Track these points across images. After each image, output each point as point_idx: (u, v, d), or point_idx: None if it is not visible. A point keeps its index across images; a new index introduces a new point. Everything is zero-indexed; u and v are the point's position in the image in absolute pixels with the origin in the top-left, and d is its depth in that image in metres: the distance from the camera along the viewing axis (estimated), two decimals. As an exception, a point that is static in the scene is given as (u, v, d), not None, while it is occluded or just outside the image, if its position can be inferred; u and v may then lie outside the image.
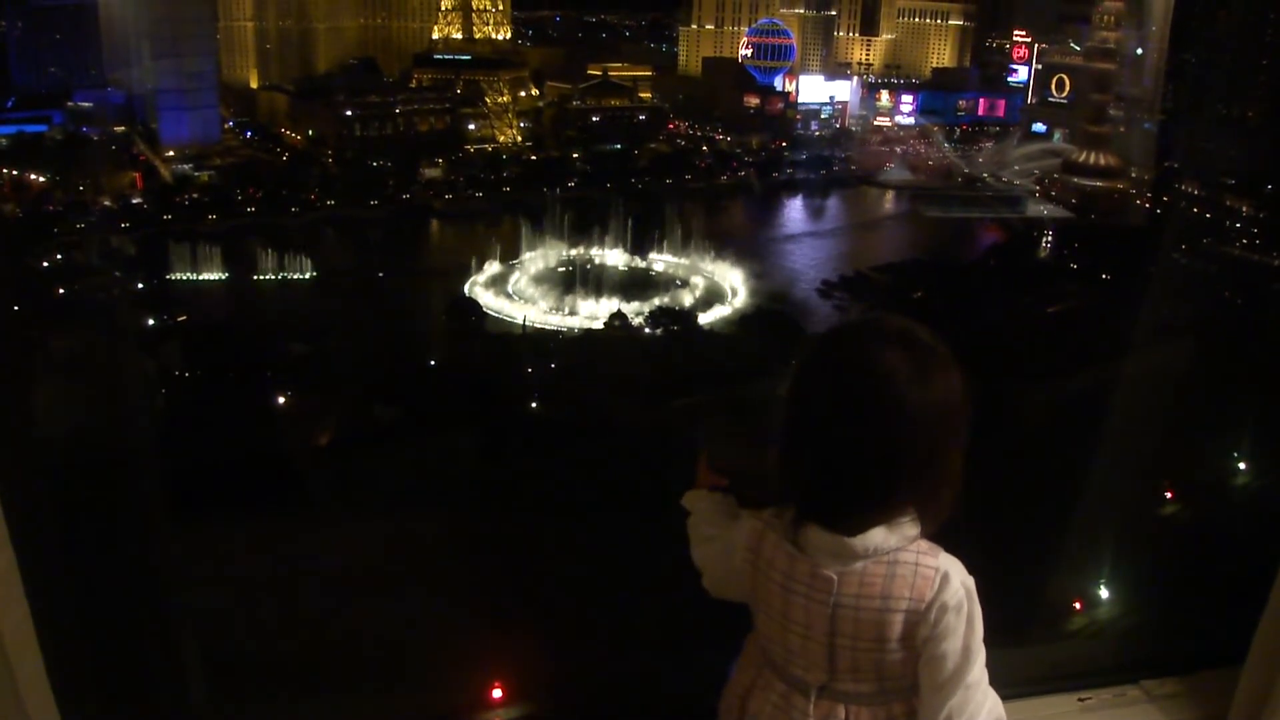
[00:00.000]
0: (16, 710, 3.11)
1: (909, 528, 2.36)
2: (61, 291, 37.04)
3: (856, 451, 2.29)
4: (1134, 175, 51.91)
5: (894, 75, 66.02)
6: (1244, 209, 43.08)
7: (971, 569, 2.33)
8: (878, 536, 2.35)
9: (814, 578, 2.38)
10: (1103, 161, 52.87)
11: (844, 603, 2.37)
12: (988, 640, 2.45)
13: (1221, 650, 4.02)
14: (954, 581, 2.35)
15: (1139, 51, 53.18)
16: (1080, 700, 3.91)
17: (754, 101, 60.75)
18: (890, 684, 2.44)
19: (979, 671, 2.42)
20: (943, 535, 2.42)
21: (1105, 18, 55.20)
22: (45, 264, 39.09)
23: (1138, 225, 48.49)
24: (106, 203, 45.92)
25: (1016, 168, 57.32)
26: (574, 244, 49.27)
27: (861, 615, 2.37)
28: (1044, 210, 52.27)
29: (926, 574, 2.35)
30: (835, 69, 64.19)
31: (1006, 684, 3.75)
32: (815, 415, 2.33)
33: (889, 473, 2.29)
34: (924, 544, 2.38)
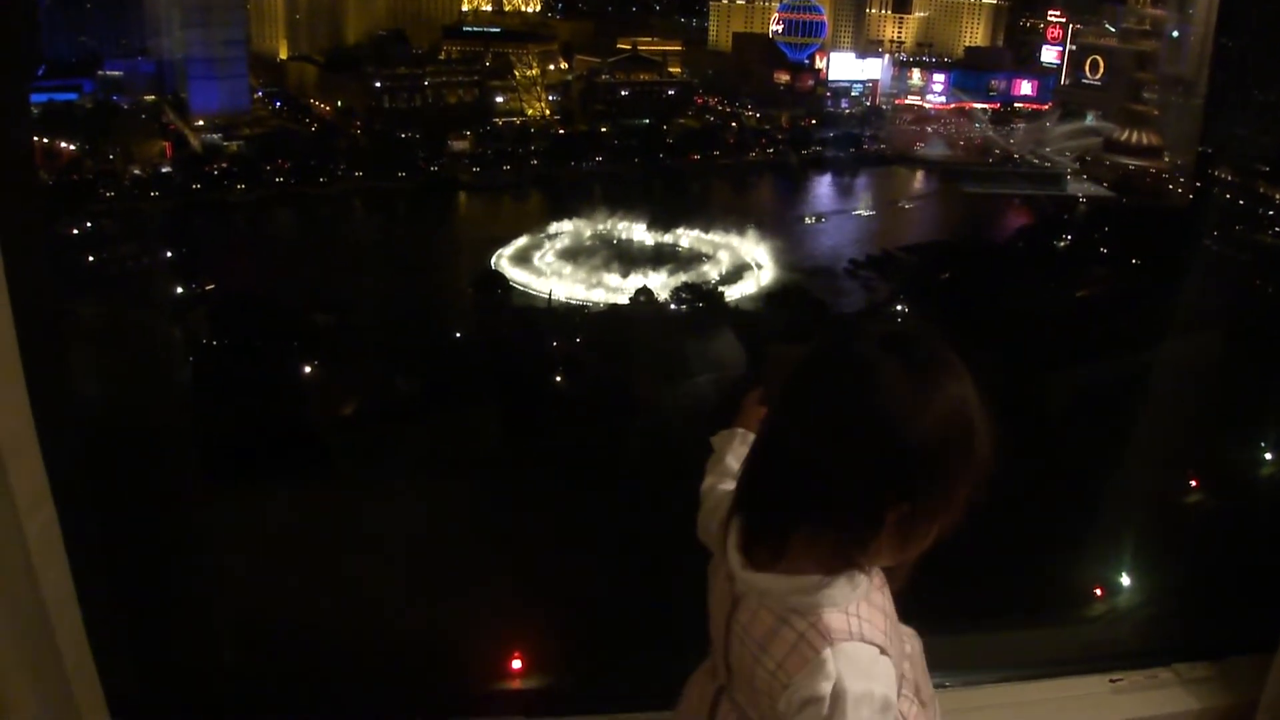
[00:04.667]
0: (56, 667, 3.15)
1: (812, 592, 2.02)
2: (91, 259, 37.29)
3: (774, 459, 2.07)
4: (1168, 159, 51.38)
5: (926, 54, 65.38)
6: (1278, 196, 42.57)
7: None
8: (764, 582, 2.07)
9: (727, 580, 2.17)
10: (1145, 140, 52.25)
11: (734, 627, 2.14)
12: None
13: (1254, 637, 4.01)
14: (824, 679, 1.97)
15: (1175, 34, 52.54)
16: (1112, 681, 3.91)
17: (784, 78, 60.28)
18: None
19: None
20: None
21: (1145, -4, 54.50)
22: (75, 231, 39.35)
23: (1170, 209, 48.04)
24: (136, 171, 46.09)
25: (1049, 149, 56.78)
26: (601, 218, 49.27)
27: (744, 648, 2.12)
28: (1083, 189, 51.73)
29: (804, 653, 2.00)
30: (867, 46, 63.64)
31: (1039, 663, 3.79)
32: (772, 417, 2.15)
33: (790, 495, 2.02)
34: (834, 618, 2.01)
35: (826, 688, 1.96)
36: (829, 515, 2.01)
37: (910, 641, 2.42)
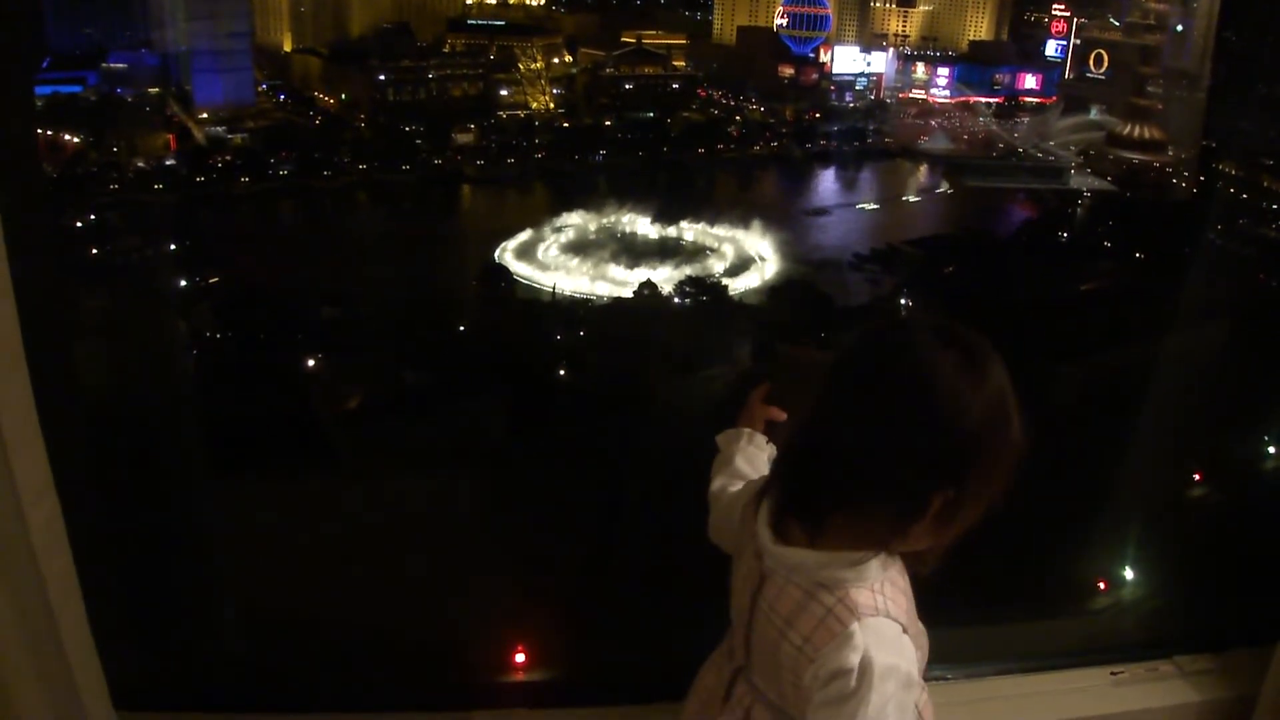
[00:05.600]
0: (59, 657, 3.16)
1: (845, 568, 2.06)
2: (95, 252, 37.32)
3: (819, 441, 2.09)
4: (1171, 153, 51.27)
5: (930, 48, 65.24)
6: (1281, 191, 42.51)
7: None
8: (796, 557, 2.11)
9: (755, 558, 2.20)
10: (1148, 134, 52.16)
11: (760, 603, 2.17)
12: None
13: (1255, 629, 4.02)
14: (852, 651, 2.01)
15: (1179, 28, 52.44)
16: (1113, 673, 3.93)
17: (788, 72, 60.17)
18: (791, 712, 2.16)
19: None
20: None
21: (1150, -10, 54.35)
22: (79, 224, 39.36)
23: (1174, 203, 47.97)
24: (140, 164, 46.05)
25: (1052, 143, 56.67)
26: (605, 212, 49.24)
27: (769, 625, 2.15)
28: (1087, 182, 51.66)
29: (832, 627, 2.05)
30: (871, 40, 63.49)
31: (1040, 656, 3.81)
32: (823, 400, 2.13)
33: (838, 479, 2.05)
34: (861, 594, 2.07)
35: (854, 659, 2.01)
36: (876, 500, 2.06)
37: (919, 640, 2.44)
